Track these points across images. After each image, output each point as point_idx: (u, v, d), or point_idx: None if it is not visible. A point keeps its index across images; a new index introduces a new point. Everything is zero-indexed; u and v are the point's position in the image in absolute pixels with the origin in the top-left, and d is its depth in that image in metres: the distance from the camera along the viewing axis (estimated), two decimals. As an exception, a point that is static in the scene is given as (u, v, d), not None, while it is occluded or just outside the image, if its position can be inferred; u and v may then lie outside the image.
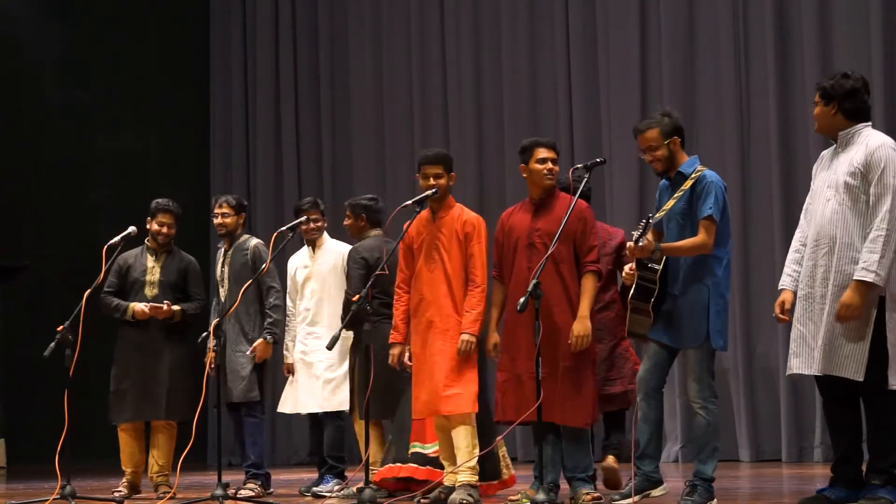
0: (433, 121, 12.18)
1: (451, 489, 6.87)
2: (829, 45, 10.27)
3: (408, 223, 7.11)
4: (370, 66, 12.53)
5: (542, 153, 6.78)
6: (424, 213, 7.09)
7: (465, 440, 6.83)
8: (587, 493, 6.57)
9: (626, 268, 6.48)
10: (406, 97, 12.31)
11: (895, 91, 10.04)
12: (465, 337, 6.79)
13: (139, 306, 8.43)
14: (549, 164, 6.77)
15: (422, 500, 6.98)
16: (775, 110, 10.39)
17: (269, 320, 8.41)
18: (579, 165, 6.67)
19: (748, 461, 10.25)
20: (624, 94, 11.06)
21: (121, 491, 8.36)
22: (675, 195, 6.30)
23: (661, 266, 6.28)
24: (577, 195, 6.50)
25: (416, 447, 7.74)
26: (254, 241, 8.61)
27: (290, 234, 7.70)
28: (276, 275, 8.53)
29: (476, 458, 6.85)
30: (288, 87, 12.90)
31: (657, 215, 6.37)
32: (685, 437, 10.48)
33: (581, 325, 6.50)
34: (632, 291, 6.37)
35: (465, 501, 6.64)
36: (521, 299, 6.05)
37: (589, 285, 6.59)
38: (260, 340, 8.38)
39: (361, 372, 7.81)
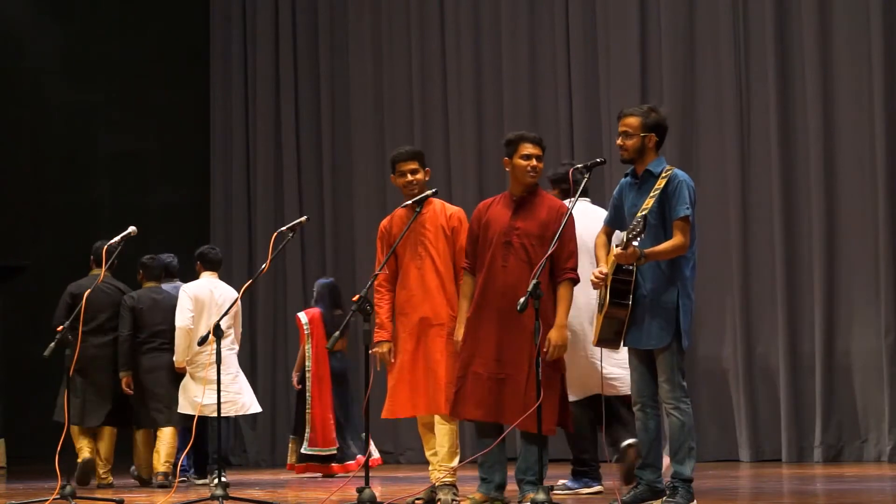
0: (433, 121, 12.16)
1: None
2: (830, 44, 10.26)
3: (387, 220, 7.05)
4: (370, 67, 12.52)
5: (528, 149, 6.57)
6: (401, 210, 7.00)
7: (449, 440, 6.82)
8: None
9: (595, 272, 6.30)
10: (406, 97, 12.30)
11: (895, 91, 10.03)
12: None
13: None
14: (534, 161, 6.56)
15: (416, 501, 6.98)
16: (775, 109, 10.38)
17: None
18: (579, 165, 6.58)
19: (748, 461, 10.23)
20: (624, 93, 11.03)
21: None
22: (652, 194, 6.19)
23: (635, 267, 6.20)
24: (578, 195, 6.40)
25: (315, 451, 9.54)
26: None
27: (290, 235, 7.69)
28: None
29: (457, 460, 6.86)
30: (288, 87, 12.89)
31: (639, 214, 6.27)
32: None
33: (558, 334, 6.33)
34: (607, 296, 6.22)
35: (455, 500, 6.67)
36: (521, 299, 5.94)
37: (566, 294, 6.39)
38: None
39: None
